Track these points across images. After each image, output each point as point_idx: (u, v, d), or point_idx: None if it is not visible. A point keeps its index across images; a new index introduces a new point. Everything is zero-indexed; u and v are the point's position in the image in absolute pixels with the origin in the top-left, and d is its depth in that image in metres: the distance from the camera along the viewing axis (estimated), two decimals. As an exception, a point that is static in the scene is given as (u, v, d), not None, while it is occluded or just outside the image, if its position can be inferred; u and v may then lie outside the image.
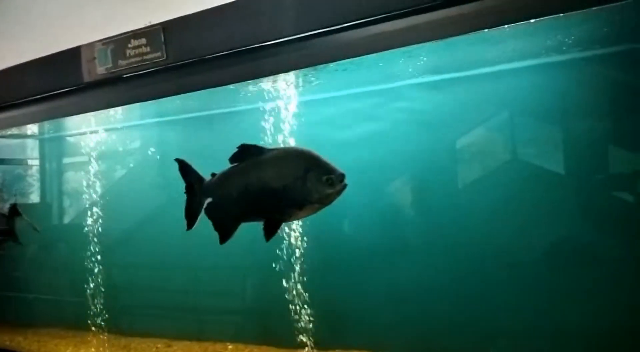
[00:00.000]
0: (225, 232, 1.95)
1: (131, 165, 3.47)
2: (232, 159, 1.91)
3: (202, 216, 1.98)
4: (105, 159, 3.45)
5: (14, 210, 2.88)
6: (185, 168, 2.03)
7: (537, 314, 2.15)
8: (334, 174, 1.79)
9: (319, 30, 1.75)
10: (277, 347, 2.43)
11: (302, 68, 2.06)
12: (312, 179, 1.81)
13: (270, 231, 1.86)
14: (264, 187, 1.86)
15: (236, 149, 1.89)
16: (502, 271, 2.24)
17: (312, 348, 2.38)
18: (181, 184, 2.85)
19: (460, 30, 1.57)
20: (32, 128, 3.79)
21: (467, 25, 1.55)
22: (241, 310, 2.74)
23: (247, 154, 1.90)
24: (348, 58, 1.85)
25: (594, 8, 1.46)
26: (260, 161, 1.89)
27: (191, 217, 2.04)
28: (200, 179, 2.02)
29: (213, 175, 1.98)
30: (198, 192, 2.00)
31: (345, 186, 1.81)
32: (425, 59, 2.15)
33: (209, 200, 2.00)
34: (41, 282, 3.43)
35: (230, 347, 2.55)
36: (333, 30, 1.73)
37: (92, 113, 3.18)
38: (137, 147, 3.47)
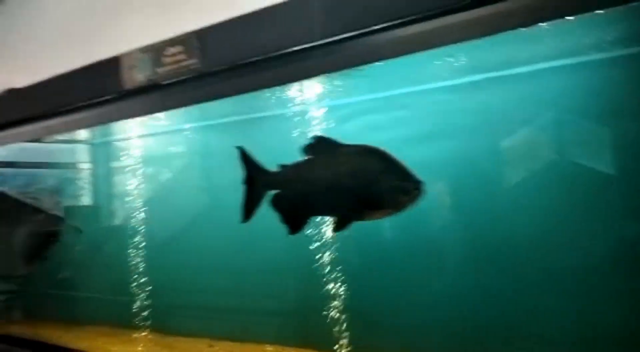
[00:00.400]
0: (295, 224, 1.93)
1: (178, 168, 3.54)
2: (305, 150, 1.89)
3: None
4: (151, 163, 3.55)
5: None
6: (245, 158, 2.01)
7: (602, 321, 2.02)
8: (410, 181, 1.73)
9: (351, 33, 1.73)
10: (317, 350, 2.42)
11: (333, 72, 2.04)
12: (386, 184, 1.75)
13: (341, 227, 1.84)
14: (339, 184, 1.83)
15: (310, 140, 1.88)
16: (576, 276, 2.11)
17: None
18: (226, 186, 2.93)
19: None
20: (82, 133, 3.97)
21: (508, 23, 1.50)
22: (283, 313, 2.77)
23: (321, 146, 1.89)
24: (383, 60, 1.81)
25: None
26: (336, 156, 1.86)
27: (249, 209, 2.01)
28: (261, 170, 1.99)
29: (282, 166, 1.97)
30: (258, 184, 1.98)
31: (420, 194, 1.73)
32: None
33: (274, 192, 1.97)
34: (89, 282, 3.57)
35: (269, 349, 2.58)
36: (365, 32, 1.71)
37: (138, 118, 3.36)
38: (182, 151, 3.55)
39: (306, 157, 1.91)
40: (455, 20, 1.45)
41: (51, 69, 2.56)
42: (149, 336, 2.88)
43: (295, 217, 1.92)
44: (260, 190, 1.97)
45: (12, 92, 2.77)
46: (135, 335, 2.88)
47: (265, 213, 2.03)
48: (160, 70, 2.18)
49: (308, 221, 1.99)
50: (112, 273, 3.38)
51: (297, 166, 1.92)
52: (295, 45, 1.84)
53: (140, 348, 2.73)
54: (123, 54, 2.28)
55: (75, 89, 2.48)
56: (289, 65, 1.92)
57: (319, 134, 1.89)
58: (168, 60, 2.15)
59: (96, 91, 2.41)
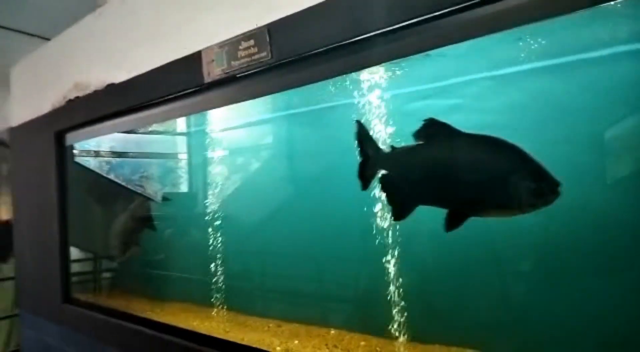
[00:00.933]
0: (400, 210, 1.83)
1: (263, 157, 3.71)
2: (417, 134, 1.76)
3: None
4: (240, 152, 3.75)
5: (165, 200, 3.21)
6: (362, 132, 1.93)
7: None
8: (546, 181, 1.53)
9: (415, 19, 1.73)
10: (377, 336, 2.46)
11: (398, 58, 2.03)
12: (516, 182, 1.55)
13: (454, 223, 1.68)
14: (455, 175, 1.68)
15: (422, 123, 1.72)
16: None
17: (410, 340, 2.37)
18: (307, 177, 3.04)
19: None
20: (180, 125, 4.29)
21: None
22: (348, 300, 2.83)
23: (433, 131, 1.73)
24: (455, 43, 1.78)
25: None
26: (454, 144, 1.71)
27: (364, 180, 1.94)
28: (376, 147, 1.91)
29: (393, 148, 1.88)
30: (372, 161, 1.88)
31: (556, 197, 1.51)
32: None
33: (383, 172, 1.88)
34: (176, 263, 3.86)
35: (332, 332, 2.66)
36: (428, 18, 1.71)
37: (225, 110, 3.59)
38: (267, 141, 3.72)
39: (417, 142, 1.77)
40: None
41: (143, 65, 2.81)
42: (225, 314, 3.07)
43: (402, 203, 1.81)
44: (374, 167, 1.88)
45: (110, 87, 3.07)
46: (213, 313, 3.09)
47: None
48: (235, 63, 2.32)
49: (414, 208, 1.84)
50: (197, 256, 3.62)
51: (409, 149, 1.80)
52: (359, 35, 1.89)
53: (215, 324, 2.92)
54: (204, 49, 2.45)
55: (163, 83, 2.71)
56: (353, 54, 1.97)
57: (432, 117, 1.71)
58: (242, 53, 2.28)
59: (181, 84, 2.61)
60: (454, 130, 1.69)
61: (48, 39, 3.93)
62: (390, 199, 1.81)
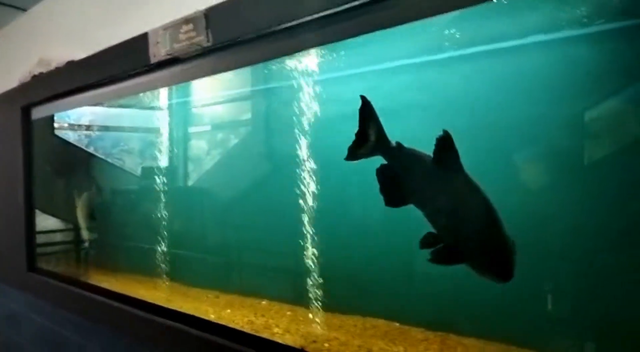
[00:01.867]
0: (392, 201, 1.76)
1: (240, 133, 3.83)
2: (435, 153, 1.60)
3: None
4: (219, 128, 3.87)
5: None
6: (367, 110, 1.73)
7: None
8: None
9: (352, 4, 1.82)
10: (304, 307, 2.61)
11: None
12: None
13: (441, 258, 1.59)
14: (441, 209, 1.60)
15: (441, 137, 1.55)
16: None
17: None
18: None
19: None
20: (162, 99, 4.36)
21: None
22: (281, 274, 3.00)
23: (446, 152, 1.58)
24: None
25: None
26: (454, 179, 1.60)
27: (353, 156, 1.80)
28: (381, 132, 1.75)
29: (399, 144, 1.76)
30: (372, 144, 1.75)
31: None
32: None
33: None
34: (133, 236, 3.99)
35: (263, 303, 2.82)
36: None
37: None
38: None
39: (429, 156, 1.64)
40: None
41: (99, 44, 2.92)
42: (170, 285, 3.23)
43: (392, 196, 1.75)
44: (370, 149, 1.76)
45: (70, 64, 3.19)
46: (158, 283, 3.25)
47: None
48: (177, 46, 2.43)
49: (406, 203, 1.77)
50: (149, 230, 3.73)
51: (419, 158, 1.69)
52: (291, 21, 2.00)
53: (160, 293, 3.08)
54: (150, 31, 2.56)
55: (116, 62, 2.82)
56: (287, 39, 2.08)
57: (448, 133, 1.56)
58: (183, 37, 2.40)
59: (132, 64, 2.73)
60: (460, 167, 1.59)
61: (24, 10, 4.00)
62: (382, 188, 1.72)
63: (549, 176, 2.13)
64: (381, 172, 1.77)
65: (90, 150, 4.93)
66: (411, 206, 1.67)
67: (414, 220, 1.75)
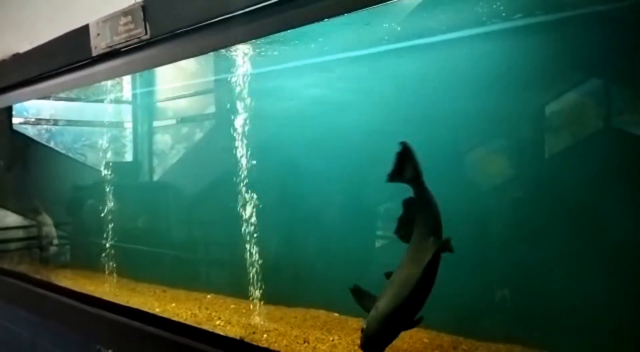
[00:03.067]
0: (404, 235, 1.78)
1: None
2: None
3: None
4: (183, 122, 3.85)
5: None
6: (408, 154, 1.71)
7: None
8: None
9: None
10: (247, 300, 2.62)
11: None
12: None
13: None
14: None
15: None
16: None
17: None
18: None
19: None
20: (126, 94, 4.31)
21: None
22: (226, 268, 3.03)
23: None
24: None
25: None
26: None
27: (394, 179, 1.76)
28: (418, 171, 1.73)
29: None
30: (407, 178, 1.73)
31: None
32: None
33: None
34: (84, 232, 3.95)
35: (209, 296, 2.83)
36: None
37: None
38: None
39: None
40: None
41: (42, 36, 2.87)
42: (117, 280, 3.22)
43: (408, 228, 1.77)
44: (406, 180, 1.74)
45: (16, 57, 3.13)
46: (108, 279, 3.23)
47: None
48: (116, 38, 2.41)
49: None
50: (98, 225, 3.68)
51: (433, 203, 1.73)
52: (226, 14, 2.00)
53: (109, 288, 3.07)
54: (91, 23, 2.53)
55: (58, 54, 2.78)
56: (221, 32, 2.08)
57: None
58: (122, 29, 2.38)
59: (73, 56, 2.69)
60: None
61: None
62: (403, 221, 1.77)
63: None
64: (407, 204, 1.79)
65: (51, 145, 4.86)
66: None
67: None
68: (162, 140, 4.13)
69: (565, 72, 1.98)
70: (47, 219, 2.86)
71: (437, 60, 2.15)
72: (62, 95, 4.11)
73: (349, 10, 1.69)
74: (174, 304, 2.68)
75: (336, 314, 2.41)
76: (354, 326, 2.19)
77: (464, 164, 2.19)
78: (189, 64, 3.53)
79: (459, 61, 2.07)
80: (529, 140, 2.04)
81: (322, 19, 1.74)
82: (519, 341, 1.88)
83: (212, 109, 3.55)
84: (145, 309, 2.53)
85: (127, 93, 4.37)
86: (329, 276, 2.50)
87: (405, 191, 1.79)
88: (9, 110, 4.27)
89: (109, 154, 3.98)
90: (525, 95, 1.98)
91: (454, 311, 2.06)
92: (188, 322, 2.37)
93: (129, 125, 4.41)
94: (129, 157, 4.36)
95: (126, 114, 4.42)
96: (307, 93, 2.72)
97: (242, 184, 2.52)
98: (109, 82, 3.52)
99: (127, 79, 3.99)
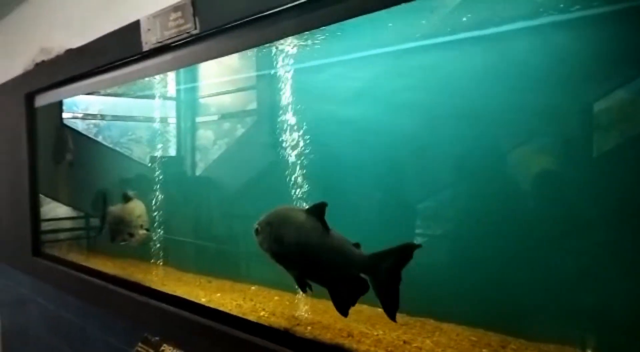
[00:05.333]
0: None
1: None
2: None
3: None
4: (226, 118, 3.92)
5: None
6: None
7: None
8: None
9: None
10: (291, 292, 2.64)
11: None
12: None
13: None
14: None
15: None
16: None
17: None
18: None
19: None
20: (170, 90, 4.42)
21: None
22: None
23: None
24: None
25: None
26: None
27: None
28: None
29: None
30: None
31: None
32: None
33: None
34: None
35: (253, 288, 2.87)
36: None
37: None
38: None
39: None
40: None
41: (95, 32, 2.96)
42: (165, 270, 3.30)
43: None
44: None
45: (69, 52, 3.24)
46: (155, 268, 3.32)
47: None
48: (167, 33, 2.46)
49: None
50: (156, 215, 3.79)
51: None
52: (270, 9, 2.01)
53: (155, 277, 3.15)
54: (142, 19, 2.59)
55: (110, 49, 2.86)
56: (271, 25, 2.10)
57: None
58: (172, 24, 2.43)
59: (125, 51, 2.77)
60: None
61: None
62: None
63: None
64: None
65: (99, 139, 5.03)
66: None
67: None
68: (205, 135, 4.21)
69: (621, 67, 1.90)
70: (140, 205, 2.91)
71: (487, 54, 2.11)
72: (108, 90, 4.24)
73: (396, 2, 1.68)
74: (219, 294, 2.73)
75: (380, 310, 2.39)
76: (399, 322, 2.17)
77: (518, 161, 2.14)
78: (233, 59, 3.57)
79: (510, 55, 2.02)
80: (585, 137, 1.97)
81: (375, 11, 1.73)
82: (572, 343, 1.83)
83: (268, 105, 3.53)
84: (192, 298, 2.59)
85: (172, 89, 4.48)
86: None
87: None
88: (59, 105, 4.45)
89: (154, 148, 4.08)
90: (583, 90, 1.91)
91: (503, 309, 2.02)
92: (233, 312, 2.41)
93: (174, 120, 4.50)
94: (174, 151, 4.46)
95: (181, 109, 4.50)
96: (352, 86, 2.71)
97: (290, 179, 2.54)
98: (153, 78, 3.61)
99: (171, 75, 4.08)
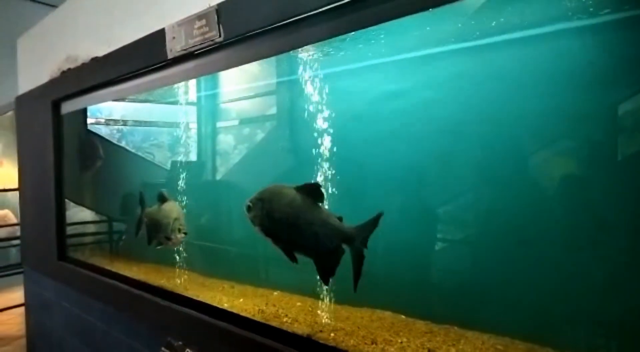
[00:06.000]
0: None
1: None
2: None
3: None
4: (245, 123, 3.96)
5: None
6: None
7: None
8: None
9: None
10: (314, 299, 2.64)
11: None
12: None
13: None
14: None
15: None
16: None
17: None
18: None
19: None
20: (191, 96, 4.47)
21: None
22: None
23: None
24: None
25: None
26: None
27: None
28: None
29: None
30: None
31: None
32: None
33: None
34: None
35: (275, 293, 2.87)
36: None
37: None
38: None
39: None
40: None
41: (121, 40, 3.02)
42: (188, 275, 3.33)
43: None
44: None
45: (95, 60, 3.30)
46: (178, 273, 3.34)
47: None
48: (191, 41, 2.50)
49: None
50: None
51: None
52: (298, 14, 2.02)
53: (179, 282, 3.18)
54: (167, 27, 2.63)
55: (135, 57, 2.91)
56: (294, 32, 2.11)
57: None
58: (196, 32, 2.46)
59: (150, 59, 2.81)
60: None
61: (55, 6, 4.15)
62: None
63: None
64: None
65: (122, 144, 5.12)
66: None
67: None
68: (225, 140, 4.25)
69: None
70: (176, 206, 2.93)
71: (515, 58, 2.09)
72: (131, 96, 4.30)
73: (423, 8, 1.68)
74: (241, 300, 2.74)
75: (403, 316, 2.39)
76: (422, 329, 2.16)
77: (545, 165, 2.11)
78: (254, 65, 3.60)
79: (537, 59, 2.00)
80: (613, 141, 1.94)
81: (398, 18, 1.73)
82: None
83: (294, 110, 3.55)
84: (214, 303, 2.61)
85: (193, 95, 4.52)
86: (396, 278, 2.48)
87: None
88: (84, 112, 4.53)
89: (175, 153, 4.12)
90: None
91: (530, 317, 1.99)
92: (256, 318, 2.42)
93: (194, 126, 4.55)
94: (195, 156, 4.50)
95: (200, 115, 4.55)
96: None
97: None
98: (176, 85, 3.66)
99: (192, 81, 4.12)
